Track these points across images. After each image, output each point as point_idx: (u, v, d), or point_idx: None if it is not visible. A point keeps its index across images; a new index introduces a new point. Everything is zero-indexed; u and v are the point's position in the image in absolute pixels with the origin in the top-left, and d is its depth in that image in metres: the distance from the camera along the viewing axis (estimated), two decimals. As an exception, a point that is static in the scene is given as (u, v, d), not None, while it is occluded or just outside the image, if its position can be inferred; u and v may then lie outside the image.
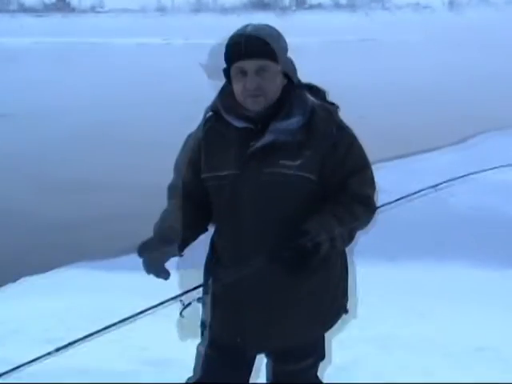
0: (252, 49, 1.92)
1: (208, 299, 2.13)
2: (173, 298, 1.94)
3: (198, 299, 1.92)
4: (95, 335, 1.92)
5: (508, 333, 3.92)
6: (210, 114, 2.09)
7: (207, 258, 2.23)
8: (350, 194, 2.00)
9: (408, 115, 13.56)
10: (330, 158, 1.97)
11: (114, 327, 1.90)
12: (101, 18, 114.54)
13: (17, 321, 4.14)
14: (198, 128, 2.13)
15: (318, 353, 2.25)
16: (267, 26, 2.02)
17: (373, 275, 5.05)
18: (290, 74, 2.02)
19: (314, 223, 1.93)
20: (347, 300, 2.24)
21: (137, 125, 12.90)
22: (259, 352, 2.25)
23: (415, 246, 5.92)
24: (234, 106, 2.01)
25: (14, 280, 5.25)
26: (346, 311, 2.24)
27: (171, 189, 2.20)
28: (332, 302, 2.16)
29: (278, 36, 2.00)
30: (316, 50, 35.92)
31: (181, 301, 1.87)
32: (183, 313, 1.91)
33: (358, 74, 21.25)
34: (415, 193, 2.42)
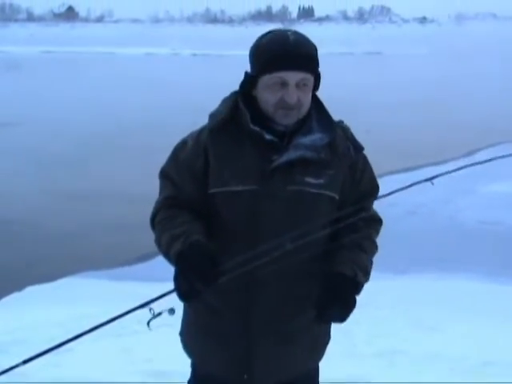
0: (299, 60, 1.78)
1: (189, 324, 1.93)
2: (140, 307, 1.73)
3: (170, 310, 1.74)
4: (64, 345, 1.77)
5: (517, 348, 3.87)
6: (221, 120, 1.85)
7: None
8: (367, 219, 1.94)
9: (415, 128, 13.55)
10: (348, 179, 1.90)
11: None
12: (109, 28, 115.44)
13: (22, 330, 4.12)
14: (199, 135, 1.89)
15: None
16: (304, 35, 1.87)
17: (382, 289, 5.02)
18: (316, 89, 1.89)
19: (349, 264, 1.83)
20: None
21: (144, 134, 12.93)
22: None
23: (423, 259, 5.88)
24: (261, 117, 1.84)
25: (20, 289, 5.24)
26: (330, 338, 2.11)
27: (168, 199, 1.92)
28: (326, 331, 2.05)
29: (316, 48, 1.87)
30: (322, 62, 35.97)
31: (150, 309, 1.71)
32: (151, 323, 1.73)
33: (364, 87, 21.27)
34: (410, 186, 2.30)
